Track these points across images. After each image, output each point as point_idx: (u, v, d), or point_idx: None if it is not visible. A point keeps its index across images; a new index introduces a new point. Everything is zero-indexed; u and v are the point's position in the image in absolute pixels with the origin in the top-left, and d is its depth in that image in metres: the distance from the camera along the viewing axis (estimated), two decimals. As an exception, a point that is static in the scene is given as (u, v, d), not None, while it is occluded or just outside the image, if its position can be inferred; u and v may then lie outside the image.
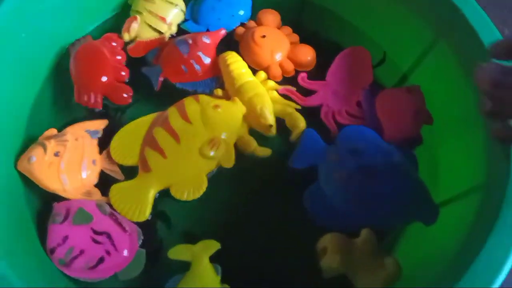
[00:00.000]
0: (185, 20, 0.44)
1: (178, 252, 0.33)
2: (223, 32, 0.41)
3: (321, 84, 0.40)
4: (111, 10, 0.45)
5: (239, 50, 0.41)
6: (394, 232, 0.35)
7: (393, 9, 0.40)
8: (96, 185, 0.36)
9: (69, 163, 0.35)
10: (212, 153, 0.35)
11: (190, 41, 0.40)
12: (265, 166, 0.37)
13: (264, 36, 0.40)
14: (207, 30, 0.42)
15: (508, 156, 0.30)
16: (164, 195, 0.35)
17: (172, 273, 0.32)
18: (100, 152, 0.37)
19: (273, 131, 0.37)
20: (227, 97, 0.39)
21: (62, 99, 0.41)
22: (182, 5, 0.43)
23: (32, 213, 0.35)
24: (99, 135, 0.37)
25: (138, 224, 0.34)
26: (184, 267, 0.32)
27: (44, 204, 0.35)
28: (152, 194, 0.35)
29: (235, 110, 0.37)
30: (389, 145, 0.35)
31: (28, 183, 0.35)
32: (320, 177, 0.35)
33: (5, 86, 0.37)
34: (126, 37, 0.42)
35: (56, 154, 0.35)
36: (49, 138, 0.36)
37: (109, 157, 0.36)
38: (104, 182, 0.36)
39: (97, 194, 0.35)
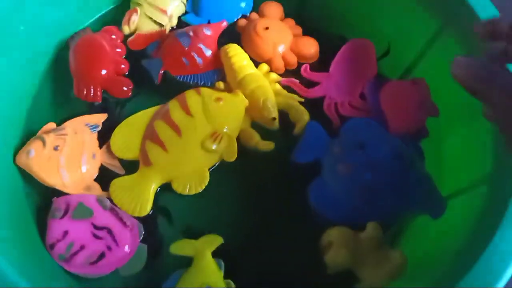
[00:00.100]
0: (186, 13, 0.43)
1: (180, 247, 0.32)
2: (224, 24, 0.41)
3: (324, 76, 0.39)
4: (111, 2, 0.44)
5: (240, 42, 0.40)
6: (399, 225, 0.34)
7: (397, 0, 0.39)
8: (96, 180, 0.35)
9: (68, 157, 0.34)
10: (214, 147, 0.34)
11: (191, 33, 0.39)
12: (268, 159, 0.36)
13: (266, 28, 0.39)
14: (208, 22, 0.42)
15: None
16: (165, 189, 0.35)
17: (174, 268, 0.32)
18: (100, 146, 0.36)
19: (276, 124, 0.36)
20: (229, 90, 0.38)
21: (61, 92, 0.40)
22: (183, -3, 0.43)
23: (31, 208, 0.34)
24: (99, 129, 0.37)
25: (139, 219, 0.33)
26: (186, 262, 0.32)
27: (44, 199, 0.34)
28: (153, 188, 0.34)
29: (237, 103, 0.36)
30: (395, 138, 0.34)
31: (27, 178, 0.34)
32: (324, 170, 0.34)
33: (3, 80, 0.36)
34: (126, 29, 0.41)
35: (56, 148, 0.34)
36: (48, 132, 0.35)
37: (109, 151, 0.36)
38: (104, 177, 0.35)
39: (97, 189, 0.34)
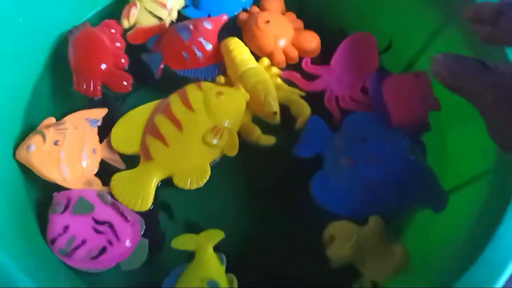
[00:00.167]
0: (185, 6, 0.42)
1: (182, 242, 0.32)
2: (225, 17, 0.41)
3: (325, 69, 0.39)
4: (110, -4, 0.44)
5: (241, 36, 0.40)
6: (401, 219, 0.34)
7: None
8: (97, 175, 0.35)
9: (69, 152, 0.34)
10: (215, 141, 0.34)
11: (191, 27, 0.39)
12: (270, 154, 0.36)
13: (267, 22, 0.39)
14: (209, 16, 0.41)
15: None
16: (166, 184, 0.34)
17: (175, 263, 0.32)
18: (101, 141, 0.36)
19: (278, 118, 0.36)
20: (229, 84, 0.38)
21: (61, 87, 0.40)
22: (182, -10, 0.42)
23: (31, 203, 0.34)
24: (99, 123, 0.36)
25: (140, 213, 0.33)
26: (188, 257, 0.32)
27: (44, 194, 0.34)
28: (154, 183, 0.34)
29: (239, 97, 0.36)
30: (397, 131, 0.34)
31: (27, 173, 0.34)
32: (326, 164, 0.34)
33: (2, 74, 0.36)
34: (126, 23, 0.41)
35: (56, 143, 0.34)
36: (48, 126, 0.35)
37: (109, 146, 0.35)
38: (105, 172, 0.35)
39: (98, 184, 0.34)
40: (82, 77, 0.38)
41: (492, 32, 0.29)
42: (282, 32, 0.39)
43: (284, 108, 0.37)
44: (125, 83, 0.38)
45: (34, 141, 0.34)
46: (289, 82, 0.39)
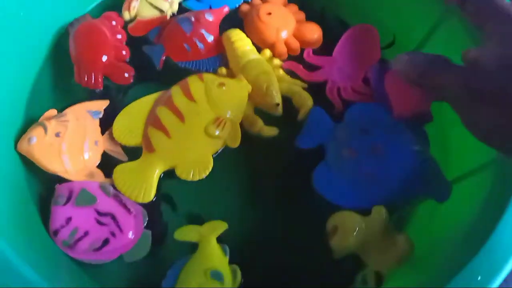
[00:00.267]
0: (186, -2, 0.42)
1: (185, 233, 0.32)
2: (226, 9, 0.40)
3: (327, 60, 0.39)
4: (111, -12, 0.43)
5: (243, 28, 0.40)
6: (404, 210, 0.34)
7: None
8: (99, 167, 0.35)
9: (70, 144, 0.34)
10: (217, 132, 0.34)
11: (193, 19, 0.39)
12: (272, 145, 0.36)
13: (269, 14, 0.39)
14: (210, 8, 0.41)
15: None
16: (168, 175, 0.34)
17: (178, 254, 0.32)
18: (102, 133, 0.36)
19: (280, 110, 0.36)
20: (231, 76, 0.38)
21: (62, 80, 0.39)
22: (184, -18, 0.42)
23: (33, 195, 0.34)
24: (101, 115, 0.36)
25: (143, 205, 0.33)
26: (191, 248, 0.32)
27: (46, 186, 0.34)
28: (156, 174, 0.34)
29: (241, 88, 0.36)
30: (399, 122, 0.34)
31: (29, 165, 0.34)
32: (328, 156, 0.34)
33: (3, 67, 0.36)
34: (126, 15, 0.40)
35: (57, 135, 0.34)
36: (49, 118, 0.35)
37: (111, 137, 0.35)
38: (107, 164, 0.35)
39: (100, 176, 0.34)
40: (83, 69, 0.38)
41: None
42: (284, 23, 0.39)
43: (286, 100, 0.37)
44: (126, 75, 0.38)
45: (36, 133, 0.33)
46: (291, 73, 0.38)
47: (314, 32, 0.40)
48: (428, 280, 0.29)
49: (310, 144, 0.35)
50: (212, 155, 0.34)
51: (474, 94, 0.27)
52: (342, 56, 0.39)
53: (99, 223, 0.32)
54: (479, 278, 0.26)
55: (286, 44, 0.39)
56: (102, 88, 0.38)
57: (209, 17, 0.39)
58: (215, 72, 0.38)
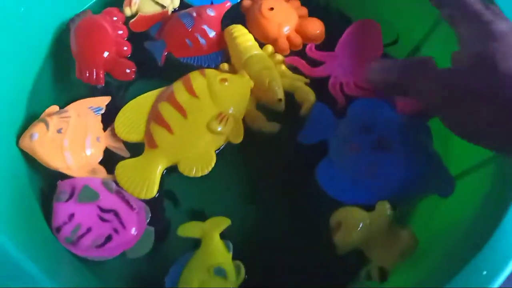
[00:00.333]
0: (188, -6, 0.42)
1: (188, 229, 0.32)
2: (228, 4, 0.40)
3: (329, 55, 0.39)
4: (112, -17, 0.43)
5: (245, 23, 0.40)
6: (408, 205, 0.34)
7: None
8: (101, 163, 0.35)
9: (72, 140, 0.34)
10: (220, 128, 0.34)
11: (194, 14, 0.39)
12: (274, 141, 0.36)
13: (271, 9, 0.39)
14: (211, 4, 0.41)
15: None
16: (171, 171, 0.34)
17: (181, 250, 0.31)
18: (104, 129, 0.36)
19: (282, 105, 0.36)
20: (233, 71, 0.38)
21: (63, 76, 0.39)
22: (185, -22, 0.42)
23: (35, 192, 0.34)
24: (103, 111, 0.36)
25: (146, 201, 0.33)
26: (194, 244, 0.31)
27: (48, 182, 0.34)
28: (159, 170, 0.34)
29: (243, 83, 0.36)
30: (402, 117, 0.34)
31: (31, 161, 0.34)
32: (332, 151, 0.34)
33: (4, 63, 0.35)
34: (128, 11, 0.40)
35: (59, 131, 0.34)
36: (51, 115, 0.35)
37: (113, 134, 0.35)
38: (109, 160, 0.35)
39: (102, 172, 0.34)
40: (85, 65, 0.37)
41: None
42: (286, 19, 0.39)
43: (289, 95, 0.37)
44: (128, 71, 0.38)
45: (37, 129, 0.33)
46: (293, 69, 0.38)
47: (316, 27, 0.39)
48: (429, 276, 0.29)
49: (312, 139, 0.35)
50: (215, 151, 0.34)
51: (452, 94, 0.27)
52: (345, 51, 0.39)
53: (102, 219, 0.32)
54: (484, 272, 0.26)
55: (288, 39, 0.39)
56: (103, 84, 0.37)
57: (211, 12, 0.39)
58: (217, 67, 0.38)
